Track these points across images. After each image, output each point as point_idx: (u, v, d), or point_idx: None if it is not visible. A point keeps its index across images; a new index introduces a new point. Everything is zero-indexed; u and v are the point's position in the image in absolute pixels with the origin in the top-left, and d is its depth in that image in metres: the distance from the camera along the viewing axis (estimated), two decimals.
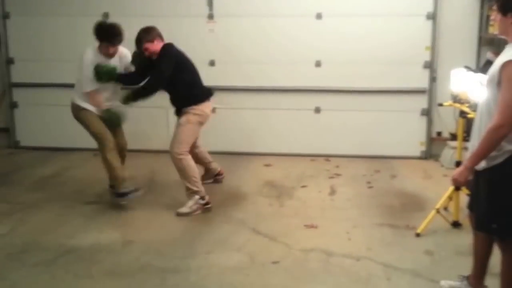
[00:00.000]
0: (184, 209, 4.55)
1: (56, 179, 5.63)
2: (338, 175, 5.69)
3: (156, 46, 4.66)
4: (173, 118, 6.53)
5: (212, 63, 6.41)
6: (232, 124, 6.52)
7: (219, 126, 6.51)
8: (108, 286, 3.38)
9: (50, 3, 6.56)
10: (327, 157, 6.31)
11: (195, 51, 6.31)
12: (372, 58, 6.14)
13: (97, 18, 6.29)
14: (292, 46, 6.25)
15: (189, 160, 4.62)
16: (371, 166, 5.97)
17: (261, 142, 6.52)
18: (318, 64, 6.24)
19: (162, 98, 6.53)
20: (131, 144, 6.47)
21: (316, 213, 4.57)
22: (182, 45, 6.34)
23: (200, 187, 4.63)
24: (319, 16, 6.15)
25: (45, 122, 6.77)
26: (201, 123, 4.77)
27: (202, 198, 4.61)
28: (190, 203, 4.57)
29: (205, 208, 4.62)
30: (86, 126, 4.74)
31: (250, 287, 3.34)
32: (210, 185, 5.35)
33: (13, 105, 6.93)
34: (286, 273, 3.50)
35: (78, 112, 4.73)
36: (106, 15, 6.42)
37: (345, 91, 6.26)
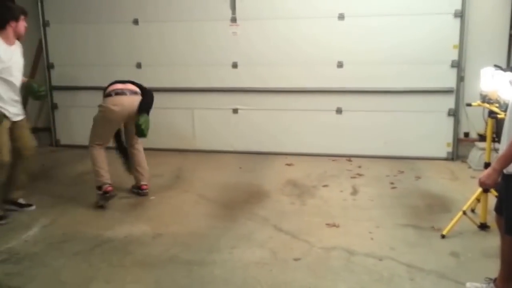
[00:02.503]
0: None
1: (91, 175, 5.78)
2: (360, 175, 5.75)
3: None
4: (198, 118, 6.75)
5: (234, 65, 6.55)
6: (255, 125, 6.67)
7: (242, 126, 6.67)
8: (140, 275, 3.54)
9: (85, 12, 6.81)
10: (349, 157, 6.39)
11: (219, 53, 6.53)
12: (397, 58, 6.16)
13: (128, 24, 6.57)
14: (314, 48, 6.33)
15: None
16: (395, 167, 6.00)
17: (283, 142, 6.63)
18: (340, 65, 6.31)
19: (188, 100, 6.76)
20: (158, 143, 6.73)
21: (337, 212, 4.64)
22: (206, 48, 6.56)
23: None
24: (341, 16, 6.20)
25: (82, 122, 6.97)
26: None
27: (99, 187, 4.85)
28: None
29: (103, 195, 4.82)
30: None
31: (273, 282, 3.42)
32: (234, 184, 5.50)
33: (54, 107, 7.28)
34: (307, 270, 3.57)
35: None
36: (135, 21, 6.63)
37: (368, 92, 6.31)
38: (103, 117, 4.89)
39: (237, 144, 6.71)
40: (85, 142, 6.87)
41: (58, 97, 7.24)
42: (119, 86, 4.95)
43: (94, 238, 4.13)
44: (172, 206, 4.88)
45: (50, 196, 5.18)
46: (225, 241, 4.05)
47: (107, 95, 4.90)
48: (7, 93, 4.34)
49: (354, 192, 5.21)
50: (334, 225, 4.35)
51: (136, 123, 4.81)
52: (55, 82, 7.19)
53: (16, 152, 4.47)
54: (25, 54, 7.08)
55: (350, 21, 6.20)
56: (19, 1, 7.07)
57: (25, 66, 7.13)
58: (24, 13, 4.40)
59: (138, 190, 5.17)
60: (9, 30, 4.27)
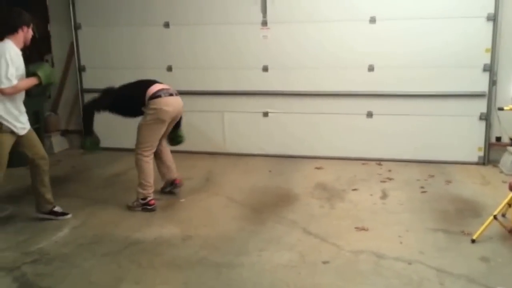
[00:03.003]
0: (128, 204, 4.94)
1: (122, 177, 6.00)
2: (390, 179, 5.71)
3: None
4: (228, 121, 6.81)
5: (265, 69, 6.58)
6: (285, 128, 6.67)
7: (271, 130, 6.70)
8: (169, 277, 3.58)
9: (116, 15, 6.94)
10: (379, 161, 6.35)
11: (249, 57, 6.58)
12: (428, 61, 6.10)
13: (159, 27, 6.67)
14: (344, 51, 6.31)
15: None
16: (425, 171, 5.94)
17: (312, 146, 6.62)
18: (371, 68, 6.27)
19: (218, 103, 6.82)
20: (189, 146, 6.80)
21: (367, 216, 4.61)
22: (237, 51, 6.62)
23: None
24: (372, 20, 6.17)
25: (112, 125, 7.11)
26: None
27: (143, 198, 4.85)
28: (134, 199, 4.91)
29: (144, 207, 4.85)
30: None
31: (301, 285, 3.42)
32: (263, 187, 5.52)
33: None
34: (336, 273, 3.57)
35: None
36: (166, 24, 6.73)
37: (399, 95, 6.26)
38: (155, 120, 4.75)
39: (267, 147, 6.74)
40: (115, 144, 7.12)
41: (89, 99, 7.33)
42: (162, 86, 4.87)
43: (124, 239, 4.19)
44: (201, 209, 4.92)
45: (80, 198, 5.27)
46: (254, 244, 4.06)
47: (154, 96, 4.74)
48: (17, 104, 4.25)
49: (384, 196, 5.18)
50: (363, 229, 4.33)
51: (179, 134, 5.08)
52: (86, 84, 7.32)
53: (31, 162, 4.45)
54: (57, 57, 7.41)
55: (381, 24, 6.16)
56: (51, 4, 7.29)
57: (57, 69, 7.45)
58: (32, 21, 4.35)
59: (172, 186, 5.30)
60: (20, 35, 4.21)
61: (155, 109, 4.72)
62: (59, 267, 3.75)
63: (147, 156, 4.83)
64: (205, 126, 6.92)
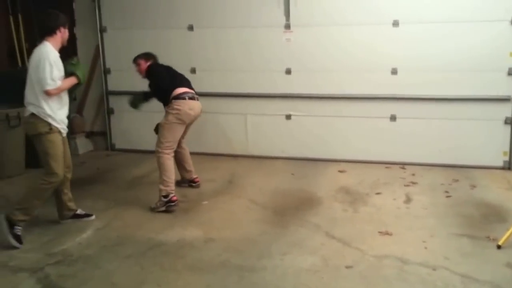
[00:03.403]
0: (152, 205, 4.98)
1: (146, 179, 6.03)
2: (414, 183, 5.65)
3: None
4: (251, 123, 6.82)
5: (288, 71, 6.58)
6: (308, 131, 6.66)
7: (294, 132, 6.69)
8: (191, 279, 3.59)
9: (141, 18, 7.01)
10: (403, 165, 6.29)
11: (272, 59, 6.59)
12: (452, 65, 6.04)
13: (183, 30, 6.71)
14: (367, 54, 6.28)
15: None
16: (449, 175, 5.86)
17: (335, 149, 6.59)
18: (394, 71, 6.22)
19: (241, 105, 6.84)
20: (212, 148, 6.85)
21: (390, 220, 4.57)
22: (260, 54, 6.63)
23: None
24: (396, 23, 6.13)
25: (137, 127, 7.24)
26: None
27: (165, 196, 4.91)
28: (157, 199, 4.96)
29: (168, 205, 4.90)
30: (45, 154, 4.19)
31: None
32: (286, 190, 5.51)
33: (110, 111, 7.50)
34: (359, 278, 3.54)
35: (40, 131, 4.16)
36: (191, 27, 6.77)
37: (423, 99, 6.20)
38: (178, 120, 4.98)
39: (290, 150, 6.73)
40: (140, 146, 7.21)
41: (114, 102, 7.44)
42: (187, 89, 5.09)
43: (147, 241, 4.21)
44: (224, 211, 4.93)
45: (104, 199, 5.31)
46: (276, 247, 4.06)
47: (179, 97, 4.99)
48: (61, 105, 4.27)
49: (408, 200, 5.12)
50: (387, 233, 4.29)
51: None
52: (111, 87, 7.41)
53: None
54: (83, 60, 7.49)
55: (404, 27, 6.12)
56: (78, 7, 7.40)
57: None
58: (68, 21, 4.39)
59: (191, 183, 5.48)
60: (58, 36, 4.22)
61: (179, 110, 4.94)
62: (82, 268, 3.79)
63: (168, 154, 4.97)
64: (228, 128, 6.95)
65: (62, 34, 4.25)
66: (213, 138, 6.97)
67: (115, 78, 7.35)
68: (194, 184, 5.55)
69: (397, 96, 6.27)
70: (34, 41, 7.30)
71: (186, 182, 5.55)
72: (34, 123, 4.14)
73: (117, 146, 7.55)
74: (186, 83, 5.20)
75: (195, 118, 5.17)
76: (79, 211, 4.71)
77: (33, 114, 4.13)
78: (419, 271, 3.61)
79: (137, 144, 7.26)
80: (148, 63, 5.21)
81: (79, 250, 4.09)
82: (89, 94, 7.64)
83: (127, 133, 7.42)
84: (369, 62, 6.28)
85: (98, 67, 7.47)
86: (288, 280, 3.54)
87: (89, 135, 7.65)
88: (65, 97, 4.32)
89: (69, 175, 4.53)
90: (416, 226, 4.44)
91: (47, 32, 4.18)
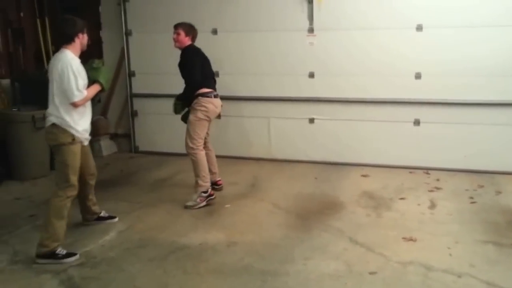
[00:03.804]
0: (189, 202, 5.07)
1: (169, 181, 6.08)
2: (438, 188, 5.58)
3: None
4: (274, 127, 6.82)
5: (311, 75, 6.56)
6: (331, 135, 6.62)
7: (317, 136, 6.67)
8: (214, 283, 3.61)
9: (166, 22, 6.96)
10: (427, 170, 6.21)
11: (295, 63, 6.59)
12: (476, 70, 5.95)
13: (207, 34, 6.74)
14: (391, 58, 6.23)
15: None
16: (474, 181, 5.78)
17: (359, 153, 6.55)
18: (418, 76, 6.16)
19: (264, 109, 6.85)
20: (234, 151, 6.86)
21: (415, 226, 4.53)
22: (283, 58, 6.63)
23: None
24: (419, 27, 6.07)
25: (160, 129, 7.31)
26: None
27: (205, 191, 5.07)
28: (195, 196, 5.08)
29: (209, 200, 5.08)
30: (63, 165, 4.05)
31: None
32: (309, 194, 5.50)
33: (134, 114, 7.57)
34: (383, 284, 3.51)
35: (62, 141, 4.04)
36: (214, 31, 6.81)
37: (447, 103, 6.12)
38: (206, 117, 5.12)
39: (313, 154, 6.71)
40: (163, 148, 7.27)
41: (138, 104, 7.51)
42: (212, 90, 5.21)
43: (169, 244, 4.23)
44: (247, 215, 4.94)
45: (128, 201, 5.36)
46: (299, 252, 4.05)
47: (205, 95, 5.11)
48: (84, 114, 4.17)
49: (432, 205, 5.07)
50: (411, 239, 4.25)
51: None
52: (135, 89, 7.47)
53: (80, 177, 4.23)
54: (108, 63, 7.59)
55: (428, 32, 6.05)
56: (104, 11, 7.49)
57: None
58: (86, 25, 4.26)
59: (214, 186, 5.47)
60: (77, 43, 4.13)
61: (207, 107, 5.09)
62: (105, 271, 3.82)
63: (202, 149, 5.13)
64: (251, 131, 6.96)
65: (81, 40, 4.16)
66: (236, 141, 6.99)
67: (139, 81, 7.42)
68: (217, 187, 5.55)
69: (421, 101, 6.20)
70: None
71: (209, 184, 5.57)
72: (56, 133, 4.03)
73: (140, 148, 7.61)
74: (213, 84, 5.30)
75: (216, 116, 5.33)
76: (102, 213, 4.75)
77: (54, 125, 4.03)
78: (444, 278, 3.57)
79: (160, 146, 7.32)
80: (188, 40, 5.20)
81: (102, 252, 4.13)
82: (113, 97, 7.71)
83: (151, 136, 7.48)
84: (392, 66, 6.23)
85: (123, 70, 7.54)
86: (311, 286, 3.54)
87: (113, 137, 7.73)
88: (88, 105, 4.22)
89: (93, 182, 4.53)
90: (441, 232, 4.39)
91: (66, 40, 4.10)
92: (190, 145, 5.07)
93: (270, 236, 4.39)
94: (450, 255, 3.95)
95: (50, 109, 4.06)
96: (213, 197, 5.13)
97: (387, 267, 3.77)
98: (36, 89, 6.14)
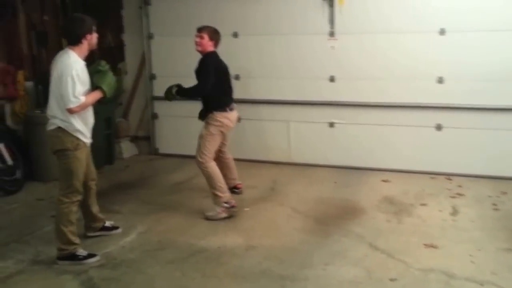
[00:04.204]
0: (209, 212, 4.92)
1: (188, 184, 6.09)
2: (460, 194, 5.49)
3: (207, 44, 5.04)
4: (294, 131, 6.80)
5: (332, 79, 6.51)
6: (351, 139, 6.57)
7: (337, 140, 6.62)
8: (232, 287, 3.61)
9: (188, 25, 6.99)
10: (449, 175, 6.11)
11: (316, 67, 6.57)
12: (499, 74, 5.83)
13: (228, 37, 6.71)
14: (413, 63, 6.15)
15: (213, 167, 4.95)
16: (497, 187, 5.67)
17: (379, 158, 6.47)
18: (440, 80, 6.07)
19: (284, 112, 6.83)
20: (254, 155, 6.85)
21: (436, 233, 4.47)
22: (303, 62, 6.60)
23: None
24: (442, 32, 5.98)
25: (180, 132, 7.33)
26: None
27: (226, 202, 4.89)
28: (216, 207, 4.92)
29: (231, 210, 4.91)
30: (68, 171, 3.93)
31: None
32: (328, 199, 5.47)
33: (154, 116, 7.60)
34: None
35: (67, 146, 3.90)
36: (235, 34, 6.82)
37: (470, 108, 6.01)
38: (219, 132, 4.98)
39: (333, 158, 6.66)
40: (183, 151, 7.27)
41: (158, 107, 7.54)
42: (229, 101, 5.09)
43: (188, 247, 4.23)
44: (265, 219, 4.93)
45: (147, 203, 5.38)
46: (318, 257, 4.03)
47: (221, 109, 4.96)
48: (86, 119, 4.02)
49: (454, 212, 4.99)
50: (432, 246, 4.20)
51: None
52: (156, 92, 7.47)
53: (83, 184, 4.13)
54: (130, 65, 7.68)
55: (451, 36, 5.96)
56: (126, 14, 7.56)
57: (129, 77, 7.71)
58: (95, 24, 4.01)
59: (234, 190, 5.42)
60: (85, 45, 3.92)
61: (221, 122, 4.95)
62: (125, 272, 3.84)
63: (212, 162, 4.96)
64: (271, 135, 6.94)
65: (89, 41, 3.94)
66: (255, 145, 6.98)
67: (160, 84, 7.42)
68: (236, 190, 5.50)
69: (443, 105, 6.11)
70: None
71: (229, 188, 5.46)
72: (61, 137, 3.87)
73: (160, 151, 7.63)
74: (231, 94, 5.19)
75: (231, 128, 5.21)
76: (107, 223, 4.59)
77: (59, 128, 3.86)
78: (466, 286, 3.53)
79: (180, 149, 7.33)
80: (211, 45, 5.03)
81: (122, 254, 4.16)
82: (134, 99, 7.77)
83: (170, 138, 7.51)
84: (414, 71, 6.15)
85: (144, 73, 7.58)
86: None
87: (134, 139, 7.79)
88: (89, 108, 4.03)
89: (94, 188, 4.38)
90: (463, 239, 4.32)
91: (73, 40, 3.89)
92: (200, 159, 4.91)
93: (289, 241, 4.37)
94: (472, 262, 3.89)
95: (55, 112, 3.88)
96: (235, 209, 4.95)
97: (407, 274, 3.73)
98: None
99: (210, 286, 3.64)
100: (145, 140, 7.73)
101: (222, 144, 5.20)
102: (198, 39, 5.02)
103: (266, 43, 6.75)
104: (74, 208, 4.00)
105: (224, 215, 4.87)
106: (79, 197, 4.04)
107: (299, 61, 6.64)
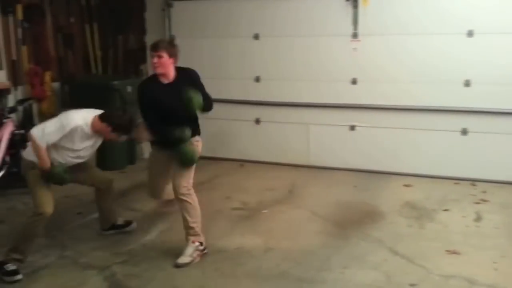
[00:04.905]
0: (184, 259, 3.99)
1: (207, 185, 6.07)
2: (485, 201, 5.36)
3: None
4: (313, 133, 6.73)
5: (354, 82, 6.43)
6: (372, 143, 6.46)
7: (358, 144, 6.54)
8: (250, 287, 3.61)
9: (209, 27, 7.10)
10: (473, 181, 5.97)
11: (337, 69, 6.50)
12: None
13: (249, 39, 6.78)
14: (439, 65, 6.02)
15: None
16: None
17: (401, 162, 6.36)
18: (467, 83, 5.94)
19: (303, 115, 6.78)
20: (272, 157, 6.82)
21: (459, 239, 4.37)
22: (325, 64, 6.55)
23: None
24: (470, 33, 5.85)
25: (200, 133, 7.34)
26: None
27: (201, 243, 4.07)
28: (190, 250, 4.04)
29: (203, 253, 4.09)
30: (30, 187, 3.95)
31: None
32: (348, 202, 5.40)
33: None
34: None
35: (25, 169, 3.96)
36: (256, 36, 6.81)
37: (497, 113, 5.86)
38: None
39: (353, 161, 6.57)
40: (203, 152, 7.02)
41: None
42: None
43: (207, 247, 4.21)
44: (284, 221, 4.89)
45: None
46: (337, 261, 3.98)
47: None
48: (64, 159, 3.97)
49: (478, 218, 4.87)
50: (454, 252, 4.11)
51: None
52: None
53: (96, 190, 4.38)
54: (151, 67, 7.68)
55: (479, 38, 5.81)
56: (149, 16, 7.61)
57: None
58: (129, 134, 4.11)
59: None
60: (106, 129, 3.91)
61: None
62: (146, 269, 3.90)
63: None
64: (290, 137, 6.88)
65: (106, 133, 3.92)
66: (274, 147, 6.94)
67: None
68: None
69: (470, 109, 5.96)
70: (107, 49, 7.70)
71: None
72: None
73: None
74: None
75: None
76: (119, 221, 4.62)
77: None
78: None
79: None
80: (171, 63, 4.20)
81: (143, 251, 4.23)
82: None
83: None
84: (440, 73, 6.02)
85: None
86: None
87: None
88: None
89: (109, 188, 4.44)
90: (486, 246, 4.22)
91: (103, 117, 3.90)
92: (188, 186, 4.15)
93: (307, 243, 4.33)
94: (496, 270, 3.79)
95: None
96: (206, 251, 4.13)
97: (428, 279, 3.66)
98: (84, 92, 6.36)
99: (228, 285, 3.65)
100: None
101: None
102: (156, 60, 4.06)
103: (288, 45, 6.71)
104: None
105: (197, 260, 4.02)
106: None
107: (319, 63, 6.58)
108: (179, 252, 4.09)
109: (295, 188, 5.91)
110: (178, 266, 3.94)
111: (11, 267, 3.76)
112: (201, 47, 7.12)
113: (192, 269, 3.88)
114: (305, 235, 4.52)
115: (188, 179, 4.15)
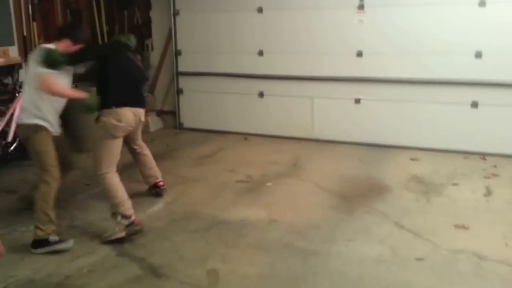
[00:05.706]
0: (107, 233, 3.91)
1: (212, 157, 6.06)
2: (495, 175, 5.24)
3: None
4: (318, 107, 6.60)
5: (359, 54, 6.28)
6: (378, 116, 6.35)
7: (363, 117, 6.42)
8: (254, 258, 3.57)
9: (212, 1, 6.98)
10: (483, 155, 5.85)
11: (343, 41, 6.35)
12: None
13: (253, 12, 6.67)
14: (449, 36, 5.86)
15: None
16: None
17: (407, 135, 6.24)
18: (478, 55, 5.77)
19: (308, 88, 6.64)
20: (276, 131, 6.73)
21: (468, 213, 4.27)
22: (329, 36, 6.38)
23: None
24: (482, 3, 5.67)
25: (204, 106, 7.31)
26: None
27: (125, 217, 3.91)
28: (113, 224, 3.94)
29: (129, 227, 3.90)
30: (36, 151, 3.84)
31: (392, 281, 3.23)
32: (353, 176, 5.30)
33: (179, 92, 7.56)
34: (431, 271, 3.34)
35: (29, 133, 3.87)
36: (260, 9, 6.65)
37: (509, 85, 5.71)
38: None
39: (358, 135, 6.45)
40: (206, 125, 7.29)
41: (183, 82, 7.49)
42: None
43: (212, 218, 4.23)
44: (288, 194, 4.83)
45: (173, 175, 5.35)
46: (341, 233, 3.91)
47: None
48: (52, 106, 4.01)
49: (488, 193, 4.76)
50: (463, 227, 4.01)
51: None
52: (181, 68, 7.45)
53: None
54: (156, 42, 7.66)
55: (492, 7, 5.63)
56: None
57: (156, 53, 7.67)
58: (85, 43, 4.06)
59: (156, 189, 4.78)
60: (62, 44, 3.90)
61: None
62: (152, 239, 3.91)
63: (108, 172, 4.08)
64: (294, 111, 6.78)
65: (67, 47, 3.91)
66: (278, 121, 6.85)
67: (185, 59, 7.41)
68: (158, 189, 4.77)
69: (481, 82, 5.81)
70: (113, 25, 7.65)
71: (152, 189, 4.82)
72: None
73: (185, 125, 7.61)
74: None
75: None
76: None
77: None
78: (498, 268, 3.36)
79: (204, 123, 7.33)
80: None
81: (150, 222, 4.22)
82: (160, 75, 7.79)
83: (195, 113, 7.48)
84: (451, 45, 5.86)
85: (170, 49, 7.55)
86: (353, 268, 3.40)
87: (160, 113, 7.82)
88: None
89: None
90: (497, 221, 4.12)
91: (57, 35, 4.00)
92: (100, 170, 4.07)
93: (312, 216, 4.26)
94: (506, 245, 3.70)
95: None
96: (138, 227, 3.93)
97: (435, 254, 3.58)
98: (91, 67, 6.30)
99: (233, 255, 3.62)
100: (171, 114, 7.76)
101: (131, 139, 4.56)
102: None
103: (291, 18, 6.56)
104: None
105: (120, 234, 3.85)
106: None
107: (325, 35, 6.43)
108: (185, 223, 4.11)
109: (300, 162, 5.82)
110: (102, 241, 3.86)
111: (54, 237, 3.74)
112: (204, 21, 7.03)
113: (197, 239, 3.88)
114: (309, 208, 4.45)
115: (98, 162, 4.09)
